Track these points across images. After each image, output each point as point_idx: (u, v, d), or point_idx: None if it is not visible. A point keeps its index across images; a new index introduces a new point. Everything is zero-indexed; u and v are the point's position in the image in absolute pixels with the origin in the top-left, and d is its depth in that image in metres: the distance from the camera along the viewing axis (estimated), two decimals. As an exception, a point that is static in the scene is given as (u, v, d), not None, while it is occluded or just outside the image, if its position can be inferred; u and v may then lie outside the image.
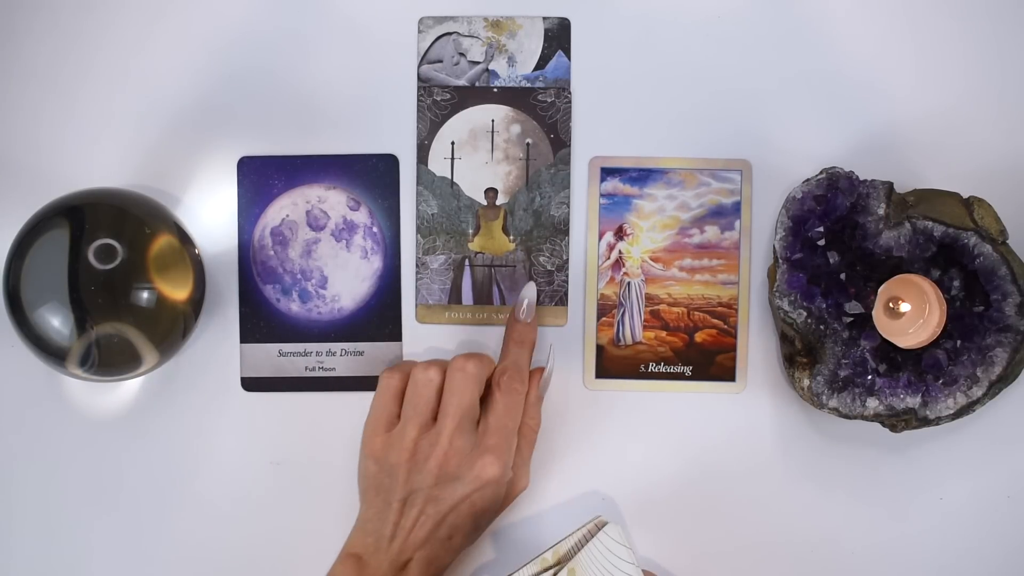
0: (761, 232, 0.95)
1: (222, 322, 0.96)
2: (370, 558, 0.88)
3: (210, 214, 0.96)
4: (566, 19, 0.96)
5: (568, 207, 0.96)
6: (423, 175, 0.96)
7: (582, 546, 0.86)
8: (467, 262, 0.96)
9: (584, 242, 0.96)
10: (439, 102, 0.96)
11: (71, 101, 0.96)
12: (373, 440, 0.90)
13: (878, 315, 0.90)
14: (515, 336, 0.91)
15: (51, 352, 0.88)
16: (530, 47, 0.96)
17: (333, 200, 0.96)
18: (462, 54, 0.96)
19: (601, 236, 0.95)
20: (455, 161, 0.96)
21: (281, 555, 0.95)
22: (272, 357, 0.96)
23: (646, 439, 0.95)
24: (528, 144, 0.96)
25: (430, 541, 0.88)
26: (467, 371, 0.89)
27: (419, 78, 0.96)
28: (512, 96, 0.96)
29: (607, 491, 0.95)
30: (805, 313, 0.91)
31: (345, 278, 0.96)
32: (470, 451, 0.88)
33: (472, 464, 0.88)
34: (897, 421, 0.91)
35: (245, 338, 0.96)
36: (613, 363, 0.95)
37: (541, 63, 0.96)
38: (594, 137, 0.95)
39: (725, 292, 0.95)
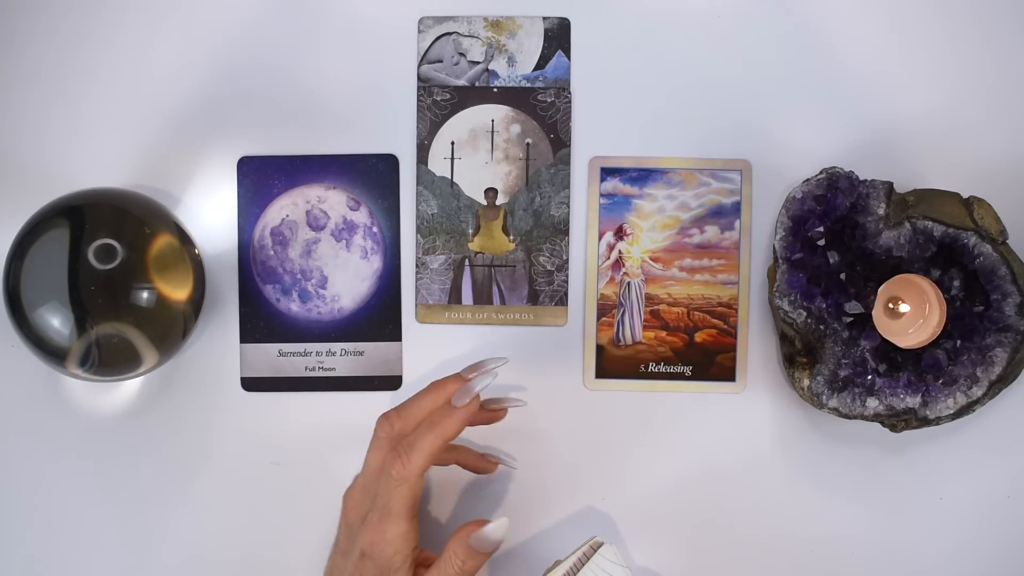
0: (761, 232, 0.95)
1: (222, 322, 0.96)
2: None
3: (210, 214, 0.96)
4: (566, 19, 0.95)
5: (568, 207, 0.96)
6: (423, 175, 0.96)
7: (579, 568, 0.85)
8: (467, 262, 0.96)
9: (584, 242, 0.96)
10: (439, 102, 0.96)
11: (71, 101, 0.96)
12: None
13: (878, 315, 0.90)
14: (435, 415, 0.84)
15: (51, 352, 0.88)
16: (530, 47, 0.96)
17: (333, 200, 0.96)
18: (462, 54, 0.96)
19: (601, 236, 0.95)
20: (455, 161, 0.96)
21: (281, 555, 0.95)
22: (272, 357, 0.96)
23: (646, 439, 0.95)
24: (528, 144, 0.95)
25: None
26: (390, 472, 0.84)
27: (419, 78, 0.96)
28: (512, 96, 0.95)
29: (607, 492, 0.95)
30: (805, 313, 0.91)
31: (345, 278, 0.96)
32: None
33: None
34: (897, 421, 0.91)
35: (245, 338, 0.96)
36: (613, 363, 0.95)
37: (541, 63, 0.96)
38: (594, 137, 0.95)
39: (725, 292, 0.95)
